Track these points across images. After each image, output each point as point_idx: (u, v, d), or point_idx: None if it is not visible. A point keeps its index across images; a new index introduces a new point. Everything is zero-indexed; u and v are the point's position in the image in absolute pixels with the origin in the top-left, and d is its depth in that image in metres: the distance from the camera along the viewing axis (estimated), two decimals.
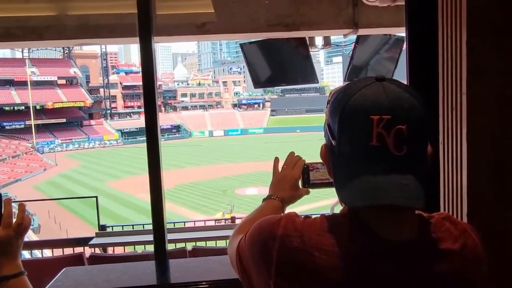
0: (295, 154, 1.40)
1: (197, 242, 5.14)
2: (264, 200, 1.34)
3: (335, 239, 0.86)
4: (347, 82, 0.96)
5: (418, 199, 0.83)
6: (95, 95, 72.45)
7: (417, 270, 0.87)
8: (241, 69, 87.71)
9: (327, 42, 5.15)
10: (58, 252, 5.57)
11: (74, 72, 68.77)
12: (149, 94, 2.82)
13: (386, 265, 0.86)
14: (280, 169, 1.39)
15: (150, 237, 2.94)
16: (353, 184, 0.85)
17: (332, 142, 0.91)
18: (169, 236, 3.20)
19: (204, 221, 9.20)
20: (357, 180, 0.85)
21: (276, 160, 1.41)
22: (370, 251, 0.86)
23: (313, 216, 0.94)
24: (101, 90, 74.33)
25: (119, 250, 5.83)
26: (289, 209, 1.24)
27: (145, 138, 2.83)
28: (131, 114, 74.49)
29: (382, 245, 0.86)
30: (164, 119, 69.67)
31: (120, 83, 76.63)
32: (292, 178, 1.35)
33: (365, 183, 0.84)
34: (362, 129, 0.84)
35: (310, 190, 1.36)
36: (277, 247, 0.89)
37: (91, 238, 5.28)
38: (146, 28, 2.76)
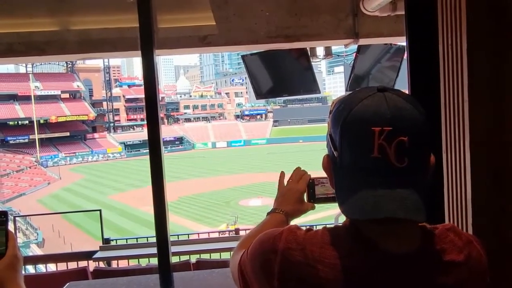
0: (301, 169, 1.38)
1: (201, 255, 5.11)
2: (268, 213, 1.32)
3: (336, 251, 0.86)
4: (349, 92, 0.96)
5: (417, 212, 0.81)
6: (98, 108, 72.75)
7: (420, 282, 0.86)
8: (243, 80, 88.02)
9: (328, 52, 5.16)
10: (62, 266, 5.56)
11: (77, 86, 69.15)
12: (151, 107, 2.83)
13: (388, 277, 0.85)
14: (285, 183, 1.38)
15: (154, 250, 2.93)
16: (353, 197, 0.85)
17: (334, 153, 0.90)
18: (173, 249, 3.19)
19: (208, 233, 9.16)
20: (357, 192, 0.84)
21: (282, 174, 1.39)
22: (371, 263, 0.85)
23: (315, 228, 0.93)
24: (104, 103, 74.67)
25: (123, 264, 5.80)
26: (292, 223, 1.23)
27: (148, 150, 2.84)
28: (134, 126, 74.68)
29: (383, 257, 0.86)
30: (167, 131, 69.81)
31: (123, 96, 76.99)
32: (297, 192, 1.33)
33: (365, 196, 0.83)
34: (363, 140, 0.83)
35: (316, 205, 1.33)
36: (278, 260, 0.88)
37: (95, 252, 5.26)
38: (147, 41, 2.78)
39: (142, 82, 2.98)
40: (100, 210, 7.70)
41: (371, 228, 0.87)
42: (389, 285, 0.85)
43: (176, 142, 72.78)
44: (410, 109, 0.84)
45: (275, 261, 0.89)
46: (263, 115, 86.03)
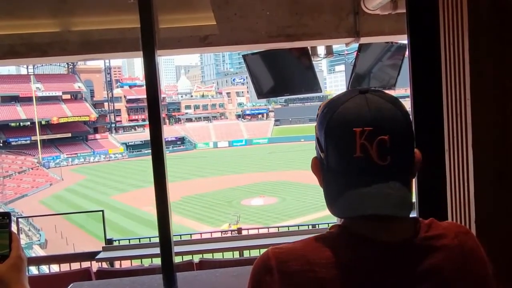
0: None
1: (204, 254, 5.12)
2: None
3: (331, 251, 0.88)
4: (334, 95, 0.98)
5: (402, 208, 0.85)
6: (100, 109, 72.83)
7: (415, 268, 0.88)
8: (244, 80, 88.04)
9: (329, 51, 5.16)
10: (65, 267, 5.57)
11: (79, 87, 69.24)
12: (154, 107, 2.83)
13: (384, 267, 0.87)
14: None
15: (157, 250, 2.94)
16: (341, 197, 0.88)
17: (321, 155, 0.94)
18: (176, 249, 3.19)
19: (211, 232, 9.17)
20: (344, 192, 0.87)
21: None
22: (366, 256, 0.88)
23: (314, 228, 0.93)
24: (106, 104, 74.75)
25: (126, 264, 5.81)
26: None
27: (150, 150, 2.84)
28: (136, 127, 74.77)
29: (377, 250, 0.88)
30: (169, 131, 69.84)
31: (124, 97, 77.02)
32: None
33: (350, 195, 0.86)
34: (346, 141, 0.87)
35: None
36: (277, 277, 0.88)
37: (98, 252, 5.27)
38: (149, 42, 2.78)
39: (143, 82, 2.99)
40: (102, 211, 7.71)
41: (362, 224, 0.89)
42: (386, 274, 0.86)
43: (178, 142, 72.84)
44: (391, 109, 0.88)
45: (273, 279, 0.88)
46: (264, 115, 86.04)
